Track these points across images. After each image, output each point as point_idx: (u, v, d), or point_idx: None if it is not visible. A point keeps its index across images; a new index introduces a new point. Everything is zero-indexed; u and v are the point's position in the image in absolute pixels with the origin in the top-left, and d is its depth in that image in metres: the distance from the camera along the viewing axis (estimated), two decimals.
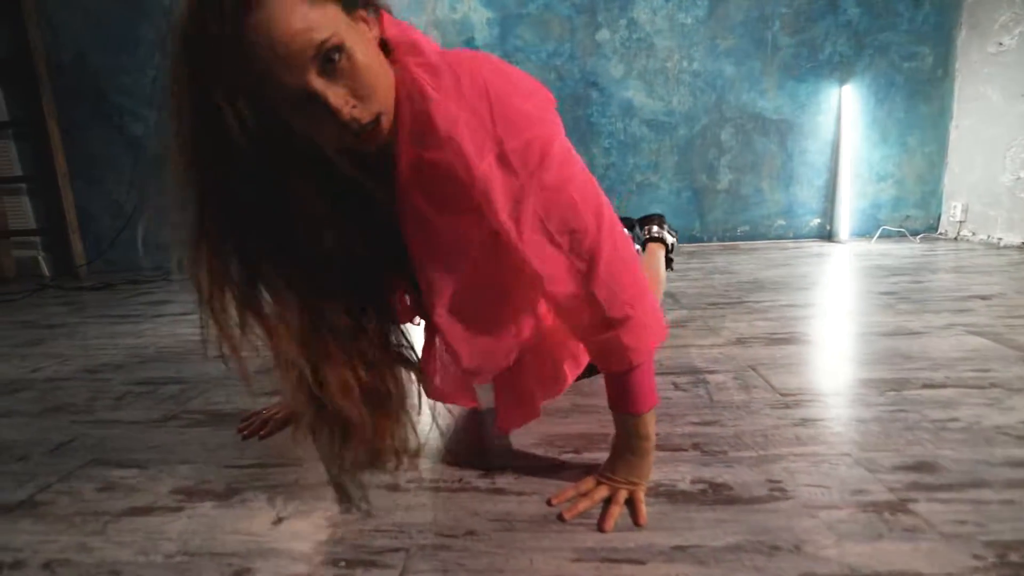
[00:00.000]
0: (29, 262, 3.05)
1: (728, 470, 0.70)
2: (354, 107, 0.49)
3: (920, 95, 2.67)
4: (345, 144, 0.52)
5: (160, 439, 0.89)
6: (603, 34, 2.69)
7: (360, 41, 0.50)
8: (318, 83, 0.47)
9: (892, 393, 0.92)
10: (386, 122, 0.52)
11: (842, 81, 2.67)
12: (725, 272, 2.10)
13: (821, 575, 0.51)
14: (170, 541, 0.61)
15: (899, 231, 2.76)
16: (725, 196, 2.81)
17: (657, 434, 0.70)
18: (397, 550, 0.58)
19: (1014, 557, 0.52)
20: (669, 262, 1.18)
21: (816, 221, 2.83)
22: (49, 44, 2.83)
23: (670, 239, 1.16)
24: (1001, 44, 2.38)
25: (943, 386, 0.93)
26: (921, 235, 2.75)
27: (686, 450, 0.75)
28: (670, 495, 0.65)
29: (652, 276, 1.06)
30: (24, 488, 0.75)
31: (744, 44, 2.67)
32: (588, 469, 0.71)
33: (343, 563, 0.56)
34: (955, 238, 2.67)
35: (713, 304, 1.60)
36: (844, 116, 2.68)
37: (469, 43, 2.73)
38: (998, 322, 1.29)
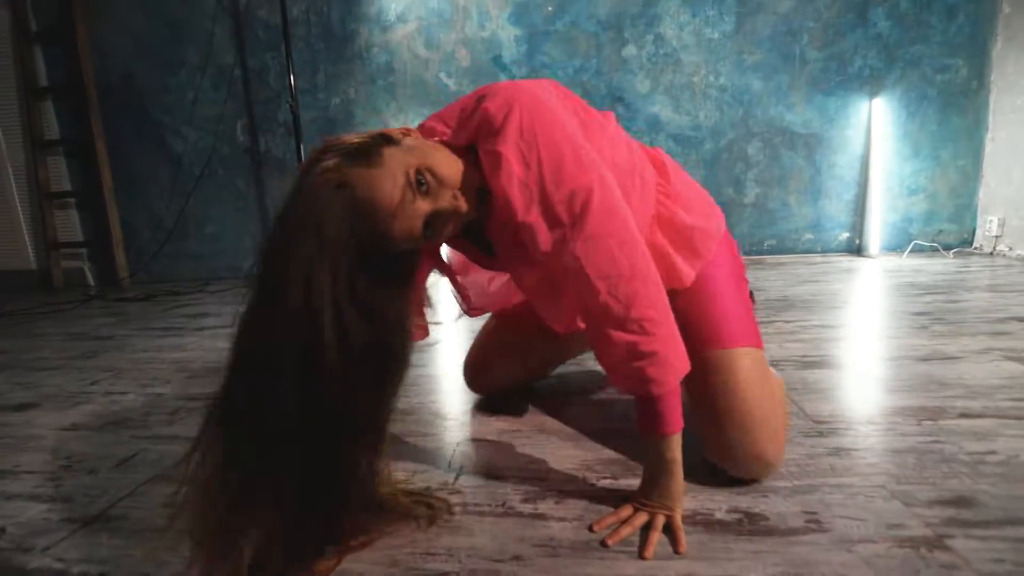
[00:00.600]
0: (75, 272, 3.20)
1: (763, 500, 0.72)
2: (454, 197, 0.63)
3: (953, 107, 2.63)
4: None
5: None
6: (629, 50, 2.71)
7: (425, 153, 0.62)
8: (424, 206, 0.60)
9: (928, 423, 0.92)
10: (462, 201, 0.63)
11: (872, 94, 2.65)
12: (754, 289, 2.10)
13: None
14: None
15: (931, 245, 2.72)
16: (752, 210, 2.80)
17: (688, 462, 0.72)
18: (448, 573, 0.61)
19: None
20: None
21: (845, 235, 2.80)
22: (99, 68, 2.98)
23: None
24: None
25: (980, 416, 0.93)
26: (955, 250, 2.70)
27: (705, 477, 0.77)
28: (707, 524, 0.68)
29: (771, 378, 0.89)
30: (96, 503, 0.80)
31: (772, 58, 2.67)
32: (626, 495, 0.74)
33: None
34: (991, 253, 2.62)
35: None
36: (874, 129, 2.66)
37: (497, 60, 2.79)
38: None
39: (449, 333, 1.69)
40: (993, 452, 0.81)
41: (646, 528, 0.67)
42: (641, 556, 0.62)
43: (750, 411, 0.75)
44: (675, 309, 0.69)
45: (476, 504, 0.75)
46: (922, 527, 0.65)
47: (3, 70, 2.99)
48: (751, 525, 0.67)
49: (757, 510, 0.70)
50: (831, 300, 1.87)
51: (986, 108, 2.61)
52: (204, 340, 1.79)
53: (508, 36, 2.76)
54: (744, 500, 0.72)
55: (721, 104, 2.72)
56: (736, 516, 0.69)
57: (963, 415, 0.94)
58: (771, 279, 2.28)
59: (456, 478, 0.82)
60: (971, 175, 2.68)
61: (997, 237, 2.59)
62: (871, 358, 1.27)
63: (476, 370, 1.10)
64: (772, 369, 0.87)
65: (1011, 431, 0.87)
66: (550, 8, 2.72)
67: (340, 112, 2.94)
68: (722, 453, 0.76)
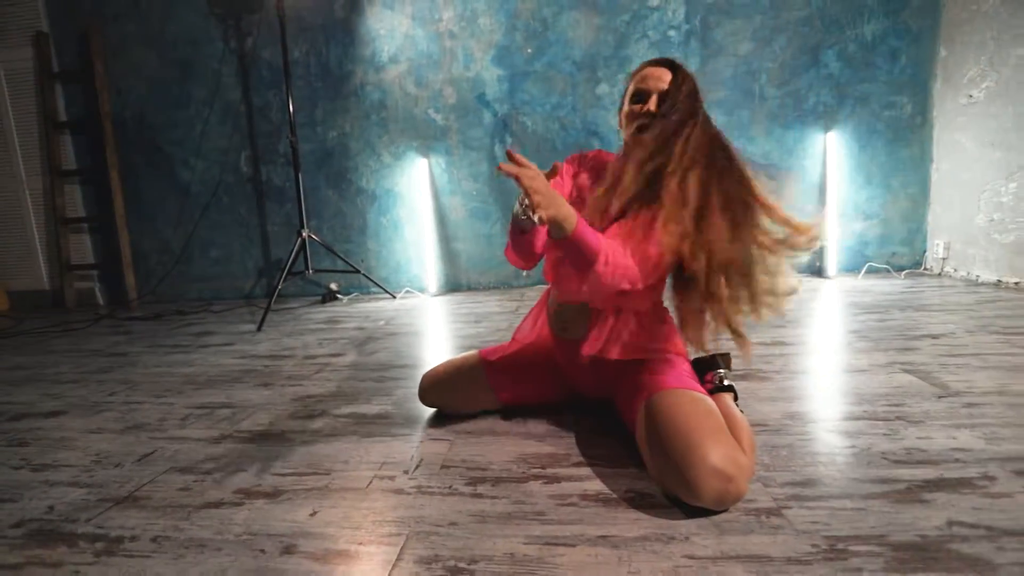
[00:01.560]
0: (86, 293, 3.40)
1: (653, 485, 0.90)
2: (649, 115, 1.03)
3: (901, 141, 2.85)
4: (631, 129, 1.05)
5: (220, 452, 1.13)
6: (602, 88, 2.95)
7: (681, 111, 1.03)
8: (654, 97, 1.04)
9: (812, 425, 1.11)
10: (645, 140, 1.01)
11: (826, 128, 2.88)
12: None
13: (698, 556, 0.72)
14: (237, 525, 0.85)
15: (885, 267, 2.92)
16: None
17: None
18: (399, 535, 0.80)
19: (840, 546, 0.72)
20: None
21: (806, 258, 2.99)
22: (114, 104, 3.22)
23: (728, 382, 1.13)
24: (971, 96, 2.57)
25: (857, 419, 1.12)
26: (907, 271, 2.90)
27: (621, 468, 0.96)
28: (606, 501, 0.86)
29: (737, 422, 0.96)
30: (125, 487, 0.99)
31: (734, 95, 2.90)
32: (549, 480, 0.93)
33: (360, 543, 0.79)
34: (939, 274, 2.81)
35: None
36: (829, 160, 2.88)
37: (481, 97, 3.02)
38: (934, 361, 1.47)
39: (436, 354, 1.88)
40: (853, 446, 1.00)
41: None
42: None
43: (697, 427, 0.83)
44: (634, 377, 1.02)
45: (428, 487, 0.94)
46: (769, 501, 0.83)
47: (27, 105, 3.24)
48: (640, 501, 0.86)
49: (649, 491, 0.89)
50: (778, 319, 2.05)
51: (930, 141, 2.83)
52: (209, 356, 1.98)
53: (491, 76, 3.00)
54: (641, 484, 0.91)
55: None
56: (630, 495, 0.88)
57: (844, 418, 1.13)
58: None
59: (416, 468, 1.01)
60: (919, 202, 2.89)
61: (944, 259, 2.80)
62: (789, 371, 1.46)
63: (431, 391, 1.25)
64: (739, 413, 1.00)
65: (875, 431, 1.06)
66: (529, 50, 2.96)
67: (336, 144, 3.17)
68: (683, 480, 0.79)
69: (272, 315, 2.74)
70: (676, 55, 2.89)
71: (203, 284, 3.37)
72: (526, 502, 0.87)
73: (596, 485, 0.91)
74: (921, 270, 2.92)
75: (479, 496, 0.90)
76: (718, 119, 2.95)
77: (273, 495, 0.94)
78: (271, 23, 2.97)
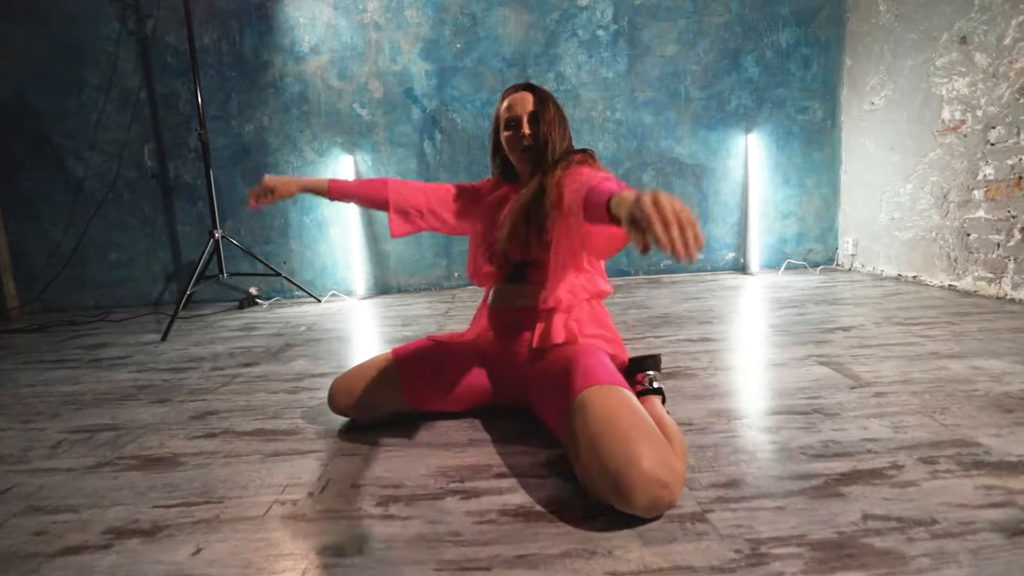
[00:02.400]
0: None
1: (580, 492, 0.86)
2: (529, 136, 1.12)
3: (814, 143, 3.02)
4: (517, 153, 1.15)
5: (94, 484, 0.98)
6: None
7: (550, 123, 1.13)
8: (524, 119, 1.13)
9: (736, 422, 1.11)
10: (533, 153, 1.13)
11: (747, 130, 2.99)
12: (641, 307, 2.32)
13: (621, 572, 0.67)
14: (99, 575, 0.72)
15: (802, 263, 3.08)
16: None
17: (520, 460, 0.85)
18: (294, 570, 0.71)
19: (762, 549, 0.70)
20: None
21: (731, 255, 3.11)
22: None
23: (659, 384, 1.12)
24: (873, 103, 2.75)
25: (777, 413, 1.14)
26: (821, 267, 3.07)
27: (544, 477, 0.91)
28: (527, 515, 0.81)
29: (668, 427, 0.94)
30: None
31: (661, 96, 2.96)
32: (467, 495, 0.86)
33: None
34: (849, 269, 3.00)
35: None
36: (751, 161, 3.00)
37: (409, 92, 2.92)
38: (846, 352, 1.53)
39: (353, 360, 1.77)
40: (774, 442, 1.00)
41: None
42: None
43: (632, 429, 0.78)
44: (553, 361, 1.03)
45: (335, 511, 0.84)
46: (694, 505, 0.81)
47: None
48: (561, 514, 0.81)
49: (571, 501, 0.84)
50: (704, 316, 2.10)
51: (839, 144, 3.02)
52: (100, 371, 1.76)
53: (419, 70, 2.90)
54: (564, 492, 0.86)
55: (618, 136, 2.98)
56: (551, 507, 0.83)
57: (766, 413, 1.14)
58: (660, 297, 2.51)
59: (323, 489, 0.91)
60: (831, 202, 3.07)
61: (853, 256, 2.98)
62: (714, 368, 1.48)
63: (339, 395, 1.17)
64: (669, 417, 0.98)
65: (793, 424, 1.07)
66: (459, 45, 2.89)
67: (254, 139, 2.96)
68: (615, 485, 0.73)
69: (181, 323, 2.51)
70: (605, 55, 2.91)
71: (101, 291, 3.05)
72: (441, 522, 0.80)
73: (517, 498, 0.85)
74: (834, 266, 3.10)
75: (390, 518, 0.82)
76: (646, 119, 3.02)
77: (151, 532, 0.81)
78: (174, 4, 2.72)
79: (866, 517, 0.76)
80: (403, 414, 1.17)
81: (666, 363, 1.52)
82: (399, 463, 1.00)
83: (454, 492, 0.88)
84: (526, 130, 1.12)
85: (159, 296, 3.08)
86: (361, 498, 0.88)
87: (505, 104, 1.16)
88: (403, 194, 1.28)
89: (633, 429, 0.79)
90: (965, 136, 2.24)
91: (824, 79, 2.96)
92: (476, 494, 0.87)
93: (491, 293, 1.22)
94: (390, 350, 1.20)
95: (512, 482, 0.90)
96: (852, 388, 1.26)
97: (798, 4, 2.89)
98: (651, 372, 1.13)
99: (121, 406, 1.41)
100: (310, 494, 0.90)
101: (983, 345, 1.53)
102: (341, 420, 1.21)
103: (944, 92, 2.32)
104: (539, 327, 1.11)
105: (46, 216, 2.97)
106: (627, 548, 0.72)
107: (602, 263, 1.19)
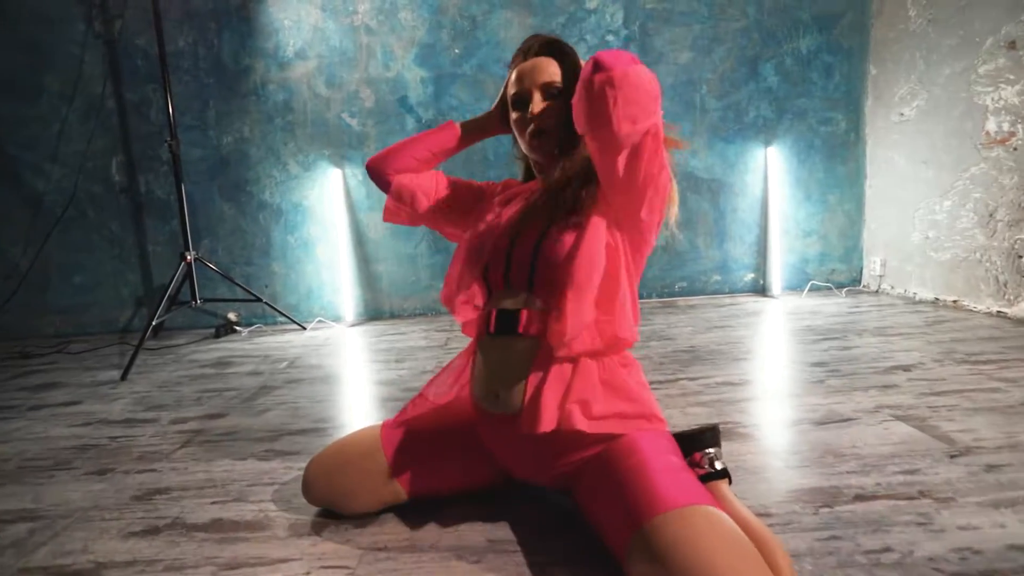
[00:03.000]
0: None
1: None
2: (540, 116, 0.84)
3: (837, 157, 2.82)
4: (526, 139, 0.87)
5: None
6: None
7: (567, 103, 0.79)
8: (536, 95, 0.84)
9: (825, 511, 0.87)
10: (546, 146, 0.86)
11: (767, 143, 2.79)
12: (663, 337, 2.08)
13: None
14: None
15: (826, 285, 2.87)
16: (662, 252, 2.84)
17: None
18: None
19: None
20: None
21: (750, 276, 2.90)
22: None
23: (722, 463, 0.84)
24: (902, 114, 2.56)
25: (874, 497, 0.90)
26: (846, 288, 2.86)
27: None
28: None
29: (762, 538, 0.66)
30: None
31: (675, 106, 2.75)
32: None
33: None
34: (876, 291, 2.79)
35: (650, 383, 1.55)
36: (770, 175, 2.79)
37: (403, 101, 2.69)
38: (921, 402, 1.30)
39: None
40: (888, 549, 0.76)
41: None
42: None
43: (725, 569, 0.56)
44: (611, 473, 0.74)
45: None
46: None
47: None
48: None
49: None
50: (736, 350, 1.87)
51: (864, 157, 2.82)
52: (37, 424, 1.49)
53: (414, 77, 2.68)
54: None
55: None
56: None
57: (858, 497, 0.90)
58: (681, 324, 2.28)
59: None
60: (855, 219, 2.87)
61: (880, 276, 2.78)
62: (771, 423, 1.24)
63: (317, 484, 0.90)
64: (754, 518, 0.71)
65: (904, 517, 0.84)
66: (457, 51, 2.67)
67: (233, 151, 2.71)
68: None
69: (148, 356, 2.24)
70: None
71: (62, 317, 2.76)
72: None
73: None
74: (860, 287, 2.89)
75: None
76: None
77: None
78: (144, 4, 2.48)
79: None
80: (400, 502, 0.91)
81: (710, 415, 1.28)
82: None
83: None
84: (535, 108, 0.83)
85: (127, 323, 2.80)
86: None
87: (513, 76, 0.87)
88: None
89: (726, 558, 0.55)
90: (1015, 149, 2.05)
91: (847, 89, 2.77)
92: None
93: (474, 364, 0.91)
94: (379, 424, 0.95)
95: None
96: (952, 456, 1.02)
97: (819, 9, 2.71)
98: (711, 450, 0.86)
99: (50, 480, 1.14)
100: None
101: None
102: (321, 510, 0.96)
103: (989, 102, 2.13)
104: (526, 399, 0.79)
105: (2, 234, 2.69)
106: None
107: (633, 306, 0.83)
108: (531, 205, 0.87)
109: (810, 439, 1.14)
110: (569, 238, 0.79)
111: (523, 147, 0.90)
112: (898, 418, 1.22)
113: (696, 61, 2.73)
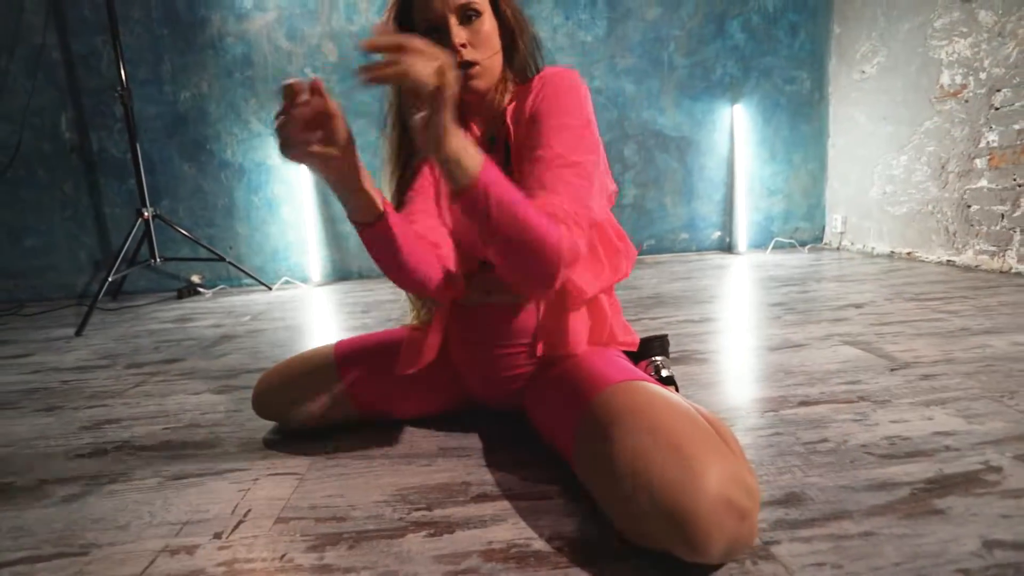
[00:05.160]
0: None
1: (595, 520, 0.63)
2: (463, 47, 0.70)
3: (801, 116, 2.86)
4: None
5: None
6: None
7: (492, 26, 0.73)
8: (453, 20, 0.70)
9: (771, 414, 0.90)
10: (481, 83, 0.74)
11: (733, 101, 2.81)
12: (629, 287, 2.11)
13: None
14: None
15: (790, 242, 2.93)
16: (631, 211, 2.86)
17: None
18: None
19: None
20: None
21: (717, 234, 2.94)
22: None
23: (668, 371, 0.86)
24: (863, 72, 2.60)
25: (817, 403, 0.93)
26: (809, 245, 2.93)
27: (545, 499, 0.68)
28: (520, 560, 0.57)
29: (713, 422, 0.60)
30: None
31: (642, 64, 2.75)
32: (437, 530, 0.62)
33: None
34: (837, 248, 2.87)
35: None
36: (737, 134, 2.82)
37: (368, 56, 2.61)
38: (869, 330, 1.35)
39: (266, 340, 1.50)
40: (825, 440, 0.80)
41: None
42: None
43: (683, 437, 0.53)
44: (554, 375, 0.77)
45: (247, 560, 0.59)
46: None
47: None
48: (572, 552, 0.58)
49: (580, 534, 0.61)
50: (699, 295, 1.91)
51: (827, 117, 2.87)
52: None
53: None
54: (569, 523, 0.63)
55: (597, 107, 2.75)
56: (556, 544, 0.59)
57: (802, 403, 0.94)
58: (647, 278, 2.31)
59: (236, 526, 0.66)
60: (818, 178, 2.93)
61: (842, 233, 2.85)
62: (728, 350, 1.27)
63: (266, 397, 0.90)
64: (704, 409, 0.65)
65: (842, 415, 0.87)
66: None
67: (191, 107, 2.61)
68: (673, 525, 0.49)
69: (106, 316, 2.17)
70: (583, 17, 2.68)
71: (15, 281, 2.66)
72: (400, 573, 0.56)
73: (506, 532, 0.62)
74: (822, 244, 2.96)
75: (326, 570, 0.57)
76: (628, 88, 2.80)
77: None
78: None
79: (989, 545, 0.55)
80: (351, 420, 0.91)
81: (671, 347, 1.31)
82: (345, 483, 0.74)
83: (418, 525, 0.64)
84: (458, 38, 0.69)
85: (85, 287, 2.71)
86: (288, 539, 0.63)
87: (417, 1, 0.71)
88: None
89: (684, 434, 0.54)
90: (967, 101, 2.11)
91: (812, 48, 2.80)
92: (448, 527, 0.63)
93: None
94: (334, 343, 0.94)
95: (497, 507, 0.67)
96: (892, 370, 1.07)
97: None
98: (658, 358, 0.89)
99: None
100: (216, 535, 0.64)
101: (1014, 320, 1.37)
102: (273, 427, 0.95)
103: (943, 56, 2.18)
104: (544, 326, 0.80)
105: None
106: None
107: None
108: None
109: (764, 361, 1.18)
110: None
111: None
112: (846, 343, 1.26)
113: (664, 17, 2.71)
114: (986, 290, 1.73)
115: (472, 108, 0.80)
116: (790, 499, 0.65)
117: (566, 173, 0.68)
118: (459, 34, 0.70)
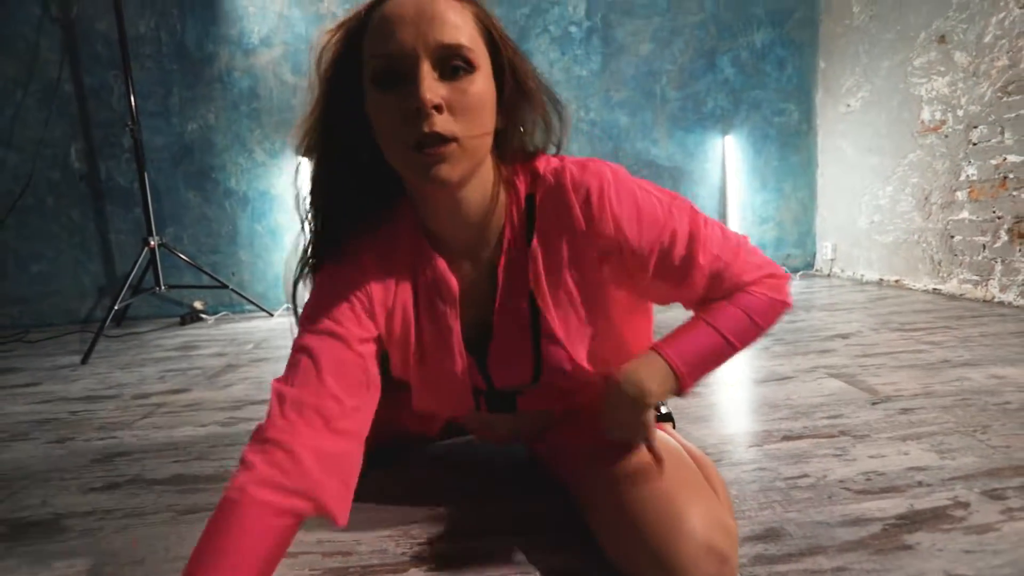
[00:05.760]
0: None
1: (586, 553, 0.67)
2: (437, 108, 0.48)
3: (790, 146, 2.95)
4: (403, 151, 0.50)
5: None
6: None
7: (489, 91, 0.52)
8: (426, 66, 0.48)
9: (754, 449, 0.95)
10: (453, 171, 0.51)
11: (724, 132, 2.91)
12: None
13: None
14: None
15: None
16: None
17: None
18: None
19: None
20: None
21: None
22: None
23: (667, 408, 0.86)
24: (849, 105, 2.70)
25: (800, 437, 0.98)
26: (800, 272, 2.99)
27: (551, 531, 0.72)
28: None
29: (702, 463, 0.64)
30: None
31: (636, 96, 2.84)
32: (439, 564, 0.66)
33: None
34: (828, 274, 2.93)
35: None
36: (728, 164, 2.91)
37: None
38: (853, 362, 1.40)
39: None
40: (805, 475, 0.84)
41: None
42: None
43: (674, 485, 0.57)
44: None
45: None
46: None
47: None
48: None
49: (574, 570, 0.65)
50: None
51: (815, 148, 2.96)
52: None
53: None
54: (565, 560, 0.67)
55: (592, 138, 2.85)
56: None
57: (785, 437, 0.98)
58: None
59: None
60: (808, 206, 3.01)
61: (832, 260, 2.92)
62: (719, 382, 1.32)
63: None
64: (696, 449, 0.69)
65: (823, 451, 0.92)
66: None
67: (197, 138, 2.69)
68: (654, 559, 0.53)
69: (111, 343, 2.21)
70: (579, 52, 2.78)
71: (20, 307, 2.70)
72: None
73: (507, 567, 0.66)
74: (813, 271, 3.03)
75: None
76: (622, 120, 2.89)
77: None
78: None
79: None
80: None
81: None
82: (350, 519, 0.78)
83: (421, 560, 0.68)
84: (431, 94, 0.47)
85: (89, 313, 2.75)
86: (296, 573, 0.67)
87: (374, 23, 0.51)
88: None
89: (674, 480, 0.58)
90: (946, 136, 2.19)
91: (799, 82, 2.90)
92: (451, 562, 0.67)
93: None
94: None
95: (499, 543, 0.71)
96: (873, 404, 1.11)
97: (771, 4, 2.84)
98: None
99: (7, 449, 1.14)
100: None
101: (993, 351, 1.43)
102: None
103: (923, 92, 2.27)
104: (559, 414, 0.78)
105: None
106: None
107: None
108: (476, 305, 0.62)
109: (751, 393, 1.22)
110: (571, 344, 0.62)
111: (391, 158, 0.53)
112: (831, 375, 1.31)
113: (656, 53, 2.82)
114: (969, 319, 1.79)
115: (441, 211, 0.58)
116: (769, 534, 0.69)
117: (705, 263, 0.63)
118: (434, 89, 0.48)
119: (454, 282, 0.60)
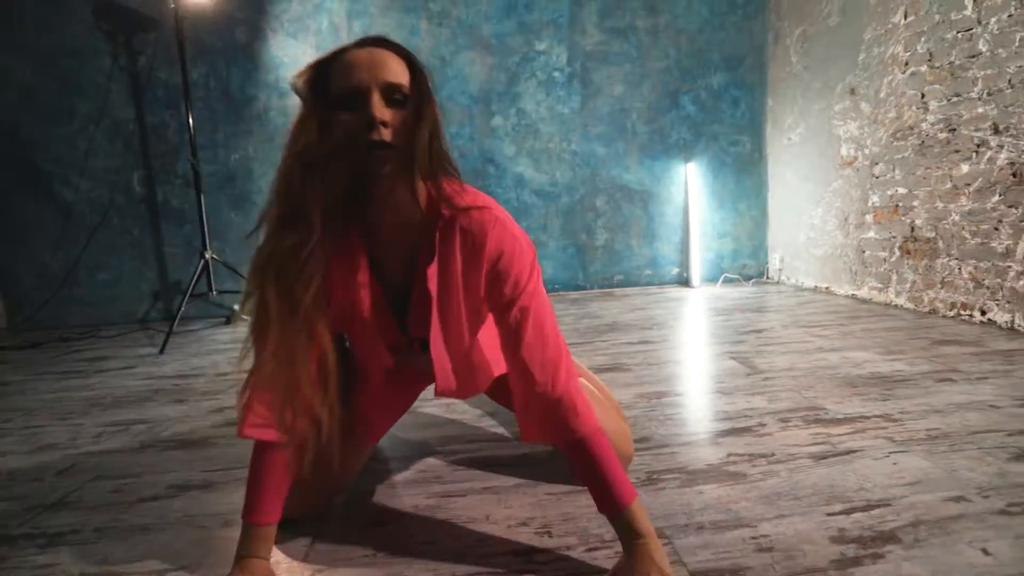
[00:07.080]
0: None
1: None
2: (383, 123, 0.67)
3: (744, 172, 3.45)
4: (360, 152, 0.68)
5: (145, 460, 1.22)
6: (497, 120, 3.27)
7: (414, 120, 0.71)
8: (376, 95, 0.68)
9: (656, 400, 1.43)
10: (392, 170, 0.70)
11: (687, 160, 3.40)
12: (594, 317, 2.65)
13: (554, 492, 0.97)
14: (176, 511, 0.97)
15: (736, 277, 3.48)
16: (603, 251, 3.42)
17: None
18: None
19: (656, 476, 1.01)
20: None
21: (675, 270, 3.50)
22: None
23: None
24: (790, 139, 3.19)
25: (689, 394, 1.46)
26: (753, 280, 3.48)
27: (508, 440, 1.21)
28: (491, 465, 1.10)
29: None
30: (51, 496, 1.06)
31: (610, 130, 3.34)
32: (448, 453, 1.15)
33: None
34: (777, 282, 3.42)
35: (571, 344, 2.11)
36: (690, 187, 3.40)
37: None
38: (753, 350, 1.88)
39: None
40: (681, 412, 1.32)
41: None
42: None
43: (603, 409, 0.92)
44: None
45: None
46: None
47: None
48: (516, 462, 1.10)
49: (523, 453, 1.13)
50: (646, 323, 2.44)
51: (766, 173, 3.46)
52: (109, 379, 1.96)
53: None
54: (515, 449, 1.16)
55: (573, 166, 3.34)
56: (516, 459, 1.12)
57: (681, 394, 1.47)
58: (611, 308, 2.85)
59: None
60: (760, 223, 3.50)
61: (780, 270, 3.41)
62: (647, 363, 1.80)
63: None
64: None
65: (700, 402, 1.40)
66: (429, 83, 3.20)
67: (239, 167, 3.19)
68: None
69: (174, 338, 2.70)
70: (561, 94, 3.28)
71: (89, 309, 3.19)
72: (427, 471, 1.08)
73: (484, 452, 1.14)
74: (764, 279, 3.52)
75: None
76: (598, 151, 3.41)
77: (206, 487, 1.07)
78: (166, 43, 2.95)
79: (730, 455, 1.08)
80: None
81: (606, 362, 1.84)
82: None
83: (437, 452, 1.16)
84: (380, 114, 0.67)
85: (145, 314, 3.24)
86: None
87: (341, 66, 0.71)
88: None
89: (599, 410, 1.00)
90: (858, 170, 2.68)
91: (751, 117, 3.40)
92: (454, 452, 1.15)
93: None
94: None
95: (479, 444, 1.19)
96: (748, 375, 1.60)
97: (726, 52, 3.34)
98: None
99: (143, 406, 1.63)
100: None
101: (859, 341, 1.91)
102: None
103: (842, 132, 2.77)
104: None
105: (35, 240, 3.12)
106: (560, 482, 1.01)
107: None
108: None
109: (666, 371, 1.71)
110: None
111: (352, 157, 0.71)
112: (732, 358, 1.79)
113: (628, 93, 3.32)
114: (864, 319, 2.27)
115: (383, 199, 0.75)
116: (647, 439, 1.17)
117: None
118: (381, 109, 0.68)
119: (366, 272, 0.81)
